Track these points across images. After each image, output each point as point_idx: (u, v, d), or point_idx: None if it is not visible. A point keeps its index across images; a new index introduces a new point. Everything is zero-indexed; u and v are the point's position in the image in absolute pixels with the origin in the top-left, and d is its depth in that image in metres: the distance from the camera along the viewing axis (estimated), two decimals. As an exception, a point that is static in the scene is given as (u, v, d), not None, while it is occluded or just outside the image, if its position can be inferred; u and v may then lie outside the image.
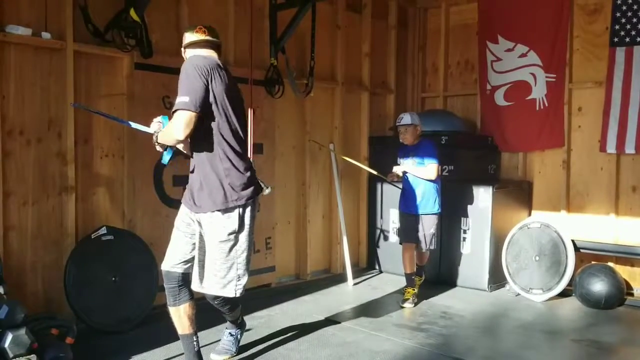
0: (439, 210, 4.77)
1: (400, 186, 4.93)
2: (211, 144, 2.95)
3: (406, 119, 4.76)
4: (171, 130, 2.84)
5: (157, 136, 3.01)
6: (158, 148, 3.08)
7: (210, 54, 3.06)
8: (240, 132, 3.03)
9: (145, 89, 4.22)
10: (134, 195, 4.27)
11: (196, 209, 3.02)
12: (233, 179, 2.98)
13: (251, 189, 3.04)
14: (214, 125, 2.94)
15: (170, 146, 3.04)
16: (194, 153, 3.02)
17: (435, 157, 4.68)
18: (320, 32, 5.45)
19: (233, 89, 3.03)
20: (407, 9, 6.69)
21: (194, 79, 2.83)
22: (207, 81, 2.86)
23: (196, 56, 2.98)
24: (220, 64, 3.02)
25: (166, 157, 3.12)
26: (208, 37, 3.07)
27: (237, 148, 3.00)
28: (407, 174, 4.79)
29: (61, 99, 3.85)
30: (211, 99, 2.89)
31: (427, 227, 4.73)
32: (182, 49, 3.14)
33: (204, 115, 2.88)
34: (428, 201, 4.71)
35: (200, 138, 2.95)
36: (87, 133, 4.05)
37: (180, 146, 3.24)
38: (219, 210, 2.97)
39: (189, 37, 3.09)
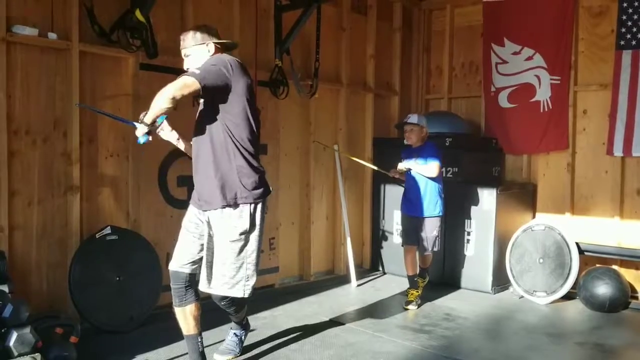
0: (441, 213, 4.76)
1: (403, 184, 4.93)
2: (228, 141, 2.93)
3: (413, 118, 4.77)
4: (168, 87, 2.72)
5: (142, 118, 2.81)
6: (139, 130, 2.83)
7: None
8: (256, 132, 3.04)
9: (151, 89, 4.17)
10: (139, 195, 4.28)
11: (207, 206, 3.01)
12: (245, 177, 2.98)
13: (261, 189, 3.05)
14: (233, 122, 2.93)
15: (149, 131, 2.84)
16: (204, 150, 2.99)
17: (437, 157, 4.67)
18: (325, 33, 5.45)
19: (253, 90, 3.04)
20: (412, 11, 6.69)
21: (214, 66, 2.83)
22: (230, 75, 2.86)
23: (223, 54, 3.00)
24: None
25: (141, 139, 2.85)
26: (227, 41, 3.11)
27: (252, 147, 3.00)
28: (409, 174, 4.78)
29: (67, 99, 3.87)
30: (234, 96, 2.89)
31: (429, 229, 4.72)
32: (193, 46, 3.05)
33: (217, 106, 2.89)
34: (430, 204, 4.70)
35: (217, 134, 2.94)
36: (92, 133, 4.06)
37: (179, 144, 3.26)
38: (229, 207, 2.95)
39: (209, 37, 3.06)
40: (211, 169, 2.98)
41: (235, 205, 2.97)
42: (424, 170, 4.67)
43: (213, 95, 2.87)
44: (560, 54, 5.48)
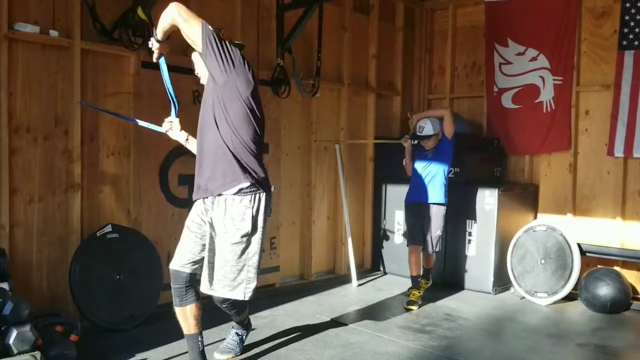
0: (446, 201, 4.80)
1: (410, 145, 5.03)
2: (229, 135, 2.91)
3: (428, 129, 4.78)
4: (173, 7, 2.82)
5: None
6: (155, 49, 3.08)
7: None
8: (258, 131, 3.01)
9: (152, 87, 4.22)
10: (140, 193, 4.27)
11: (210, 192, 2.97)
12: (247, 169, 2.95)
13: (262, 186, 3.02)
14: (235, 118, 2.91)
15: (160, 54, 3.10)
16: (209, 144, 2.97)
17: (453, 147, 4.82)
18: (327, 32, 5.44)
19: (257, 92, 3.03)
20: (414, 11, 6.68)
21: (223, 41, 2.86)
22: (234, 57, 2.87)
23: None
24: None
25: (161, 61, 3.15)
26: (238, 42, 3.09)
27: (254, 146, 2.98)
28: (416, 166, 4.86)
29: (68, 97, 3.86)
30: (235, 90, 2.88)
31: (435, 224, 4.74)
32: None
33: (219, 98, 2.88)
34: (436, 190, 4.75)
35: (218, 126, 2.92)
36: (94, 131, 4.06)
37: (188, 145, 3.25)
38: (232, 195, 2.92)
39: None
40: (215, 159, 2.94)
41: (238, 192, 2.92)
42: (437, 113, 4.91)
43: (212, 58, 2.82)
44: (563, 55, 5.47)
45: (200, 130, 3.04)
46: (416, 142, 4.91)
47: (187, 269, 3.08)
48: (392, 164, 5.11)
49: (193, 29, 2.80)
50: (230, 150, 2.92)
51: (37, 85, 3.75)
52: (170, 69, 3.83)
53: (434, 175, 4.77)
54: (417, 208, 4.85)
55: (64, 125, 3.88)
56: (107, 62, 4.10)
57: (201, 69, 3.05)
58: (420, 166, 4.86)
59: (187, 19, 2.80)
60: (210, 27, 2.83)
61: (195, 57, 3.06)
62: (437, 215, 4.76)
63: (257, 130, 3.00)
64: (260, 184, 3.00)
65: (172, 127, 3.21)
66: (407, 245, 4.95)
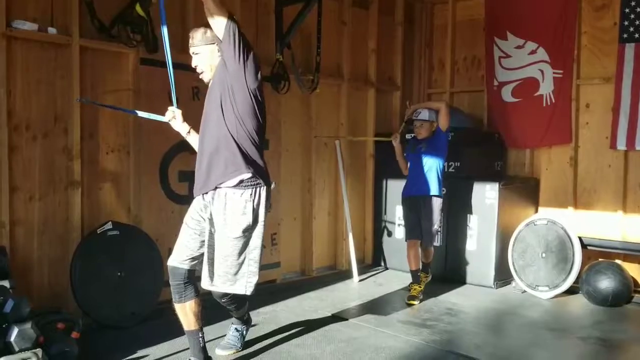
0: (441, 194, 4.82)
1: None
2: (235, 125, 2.90)
3: (424, 114, 4.81)
4: None
5: None
6: None
7: None
8: (262, 124, 3.01)
9: (151, 84, 4.22)
10: (140, 190, 4.27)
11: (211, 184, 2.96)
12: (250, 161, 2.95)
13: (262, 179, 3.02)
14: (241, 109, 2.91)
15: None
16: (212, 133, 2.96)
17: (446, 144, 4.80)
18: (326, 27, 5.43)
19: (262, 86, 3.03)
20: (414, 5, 6.66)
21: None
22: (251, 49, 2.89)
23: None
24: None
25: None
26: None
27: (257, 138, 2.98)
28: (413, 155, 4.86)
29: (67, 95, 3.86)
30: (244, 81, 2.88)
31: (435, 217, 4.74)
32: (203, 45, 3.00)
33: (226, 91, 2.88)
34: (431, 183, 4.75)
35: (224, 120, 2.91)
36: (93, 128, 4.05)
37: (189, 138, 3.24)
38: (232, 187, 2.92)
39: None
40: (215, 152, 2.94)
41: (238, 184, 2.92)
42: (435, 105, 4.93)
43: (230, 45, 2.81)
44: (563, 48, 5.45)
45: (204, 121, 3.03)
46: (411, 136, 4.91)
47: (186, 265, 3.07)
48: (393, 160, 5.10)
49: (220, 13, 2.79)
50: (235, 140, 2.92)
51: (36, 83, 3.75)
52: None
53: (429, 168, 4.76)
54: (413, 201, 4.85)
55: (64, 123, 3.88)
56: (106, 59, 4.09)
57: (203, 62, 3.02)
58: (415, 159, 4.85)
59: (219, 3, 2.79)
60: (236, 19, 2.84)
61: (198, 49, 3.01)
62: (433, 208, 4.76)
63: (260, 123, 3.00)
64: (261, 176, 3.00)
65: (175, 116, 3.19)
66: (405, 240, 4.95)
